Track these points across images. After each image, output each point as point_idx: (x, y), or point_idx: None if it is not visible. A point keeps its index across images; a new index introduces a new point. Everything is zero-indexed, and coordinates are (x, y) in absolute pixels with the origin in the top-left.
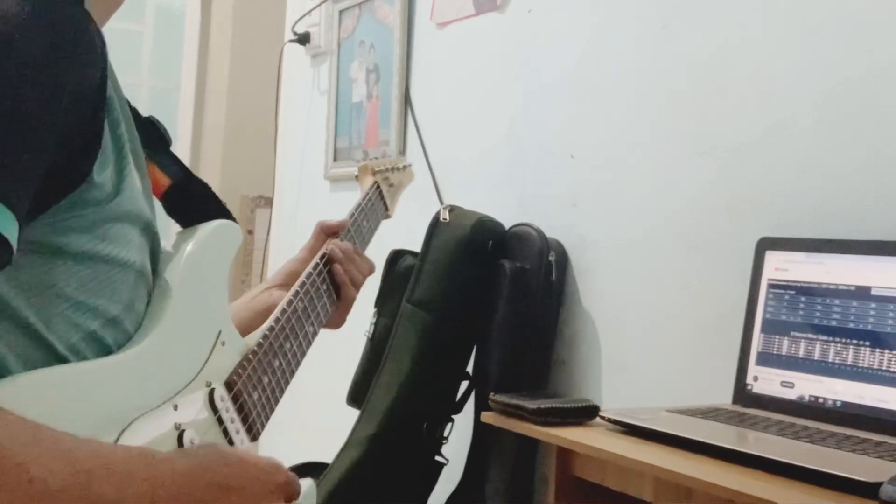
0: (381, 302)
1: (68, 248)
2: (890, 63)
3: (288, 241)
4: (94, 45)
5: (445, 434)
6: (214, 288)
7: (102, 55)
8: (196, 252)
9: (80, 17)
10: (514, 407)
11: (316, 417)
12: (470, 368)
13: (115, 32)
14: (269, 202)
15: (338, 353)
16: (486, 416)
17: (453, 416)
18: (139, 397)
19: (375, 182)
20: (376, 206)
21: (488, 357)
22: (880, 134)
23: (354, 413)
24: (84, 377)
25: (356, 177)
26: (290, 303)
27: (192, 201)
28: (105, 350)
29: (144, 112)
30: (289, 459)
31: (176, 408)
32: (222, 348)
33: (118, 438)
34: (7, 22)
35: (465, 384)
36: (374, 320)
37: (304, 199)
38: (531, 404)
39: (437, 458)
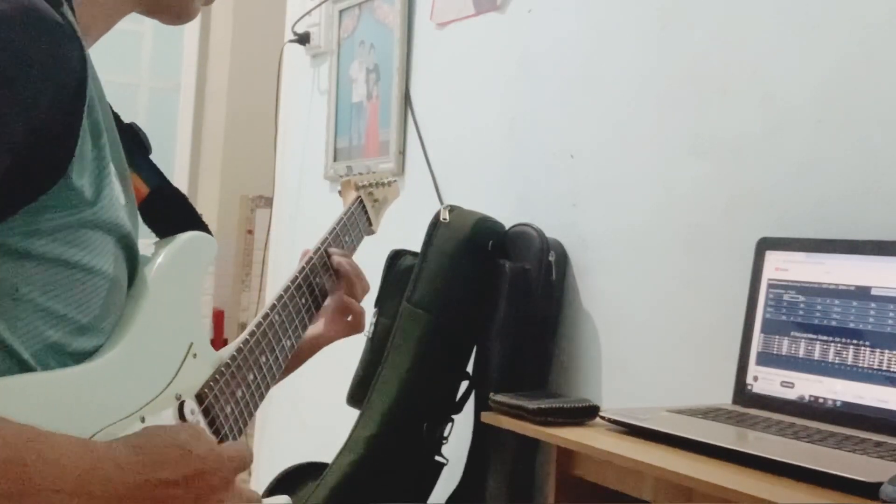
0: (381, 302)
1: (36, 251)
2: (890, 63)
3: (288, 241)
4: (68, 53)
5: (445, 434)
6: (187, 300)
7: (81, 63)
8: (169, 263)
9: (52, 26)
10: (514, 407)
11: (316, 417)
12: (470, 368)
13: (115, 32)
14: (269, 202)
15: (338, 353)
16: (486, 416)
17: (453, 416)
18: (104, 409)
19: (358, 196)
20: (359, 221)
21: (488, 357)
22: (880, 134)
23: (354, 413)
24: (47, 387)
25: (339, 192)
26: (265, 316)
27: (169, 211)
28: (71, 360)
29: (144, 112)
30: (288, 459)
31: (143, 420)
32: (193, 361)
33: None
34: None
35: (465, 384)
36: (373, 320)
37: (304, 199)
38: (531, 404)
39: (437, 458)
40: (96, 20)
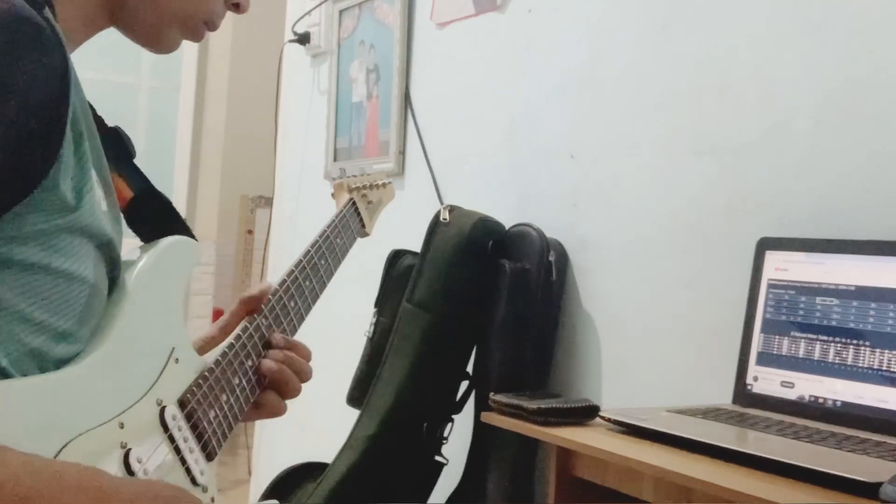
0: (381, 302)
1: (15, 257)
2: (890, 63)
3: (288, 241)
4: (51, 58)
5: (445, 434)
6: (168, 304)
7: (64, 68)
8: (150, 268)
9: (36, 30)
10: (514, 407)
11: (315, 418)
12: (470, 368)
13: (115, 32)
14: (269, 202)
15: (338, 353)
16: (486, 416)
17: (453, 416)
18: (82, 415)
19: (351, 199)
20: (351, 224)
21: (488, 357)
22: (880, 134)
23: (354, 413)
24: (23, 392)
25: (332, 194)
26: (251, 319)
27: (153, 215)
28: (50, 367)
29: (144, 112)
30: (288, 460)
31: (122, 426)
32: (176, 366)
33: (57, 456)
34: None
35: (465, 384)
36: (374, 320)
37: (304, 199)
38: (531, 404)
39: (437, 458)
40: (76, 27)
